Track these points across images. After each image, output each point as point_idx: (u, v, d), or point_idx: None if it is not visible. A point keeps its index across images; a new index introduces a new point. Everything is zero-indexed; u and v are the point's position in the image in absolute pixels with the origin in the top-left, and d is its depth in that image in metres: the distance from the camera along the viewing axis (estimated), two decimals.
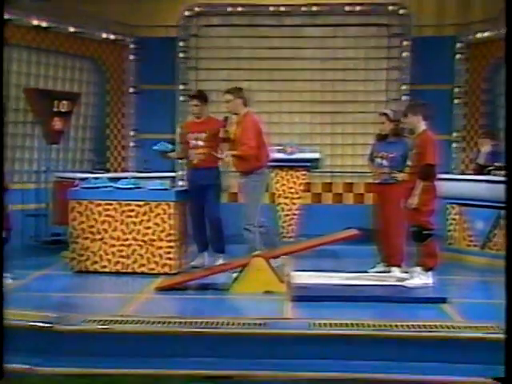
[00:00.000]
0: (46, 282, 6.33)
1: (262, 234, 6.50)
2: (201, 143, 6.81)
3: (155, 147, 6.91)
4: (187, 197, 6.92)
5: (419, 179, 5.89)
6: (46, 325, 4.65)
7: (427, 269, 5.98)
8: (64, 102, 8.38)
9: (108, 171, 8.72)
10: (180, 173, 8.71)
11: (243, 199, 6.60)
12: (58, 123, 8.33)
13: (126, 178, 7.22)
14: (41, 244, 8.19)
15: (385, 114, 6.61)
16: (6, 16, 7.71)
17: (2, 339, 3.81)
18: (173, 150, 7.07)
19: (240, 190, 6.83)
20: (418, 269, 5.99)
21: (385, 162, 6.45)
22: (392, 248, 6.44)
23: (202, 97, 6.96)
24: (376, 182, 6.61)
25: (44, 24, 8.37)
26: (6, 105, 8.05)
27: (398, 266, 6.42)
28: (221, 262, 6.82)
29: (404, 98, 9.28)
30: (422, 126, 6.01)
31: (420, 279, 5.95)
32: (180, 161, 7.75)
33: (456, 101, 9.40)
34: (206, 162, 6.78)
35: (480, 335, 4.51)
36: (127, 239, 6.57)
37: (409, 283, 5.97)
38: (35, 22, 8.26)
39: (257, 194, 6.49)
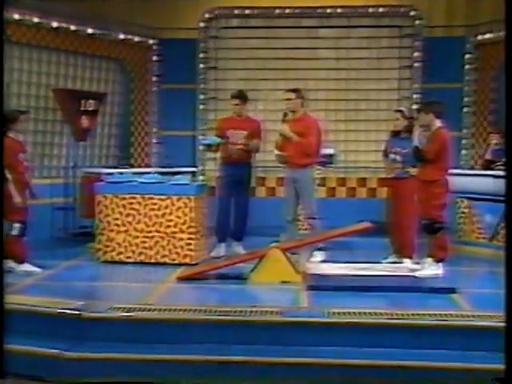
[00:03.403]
0: (74, 272, 6.46)
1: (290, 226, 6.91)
2: (241, 140, 7.10)
3: (205, 141, 7.08)
4: (221, 188, 7.17)
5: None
6: (74, 312, 4.74)
7: (438, 260, 6.07)
8: (91, 101, 8.44)
9: (132, 166, 8.81)
10: (200, 168, 8.85)
11: (302, 192, 6.81)
12: (85, 121, 8.40)
13: (149, 173, 7.35)
14: (69, 236, 8.32)
15: (400, 111, 6.75)
16: (36, 20, 7.98)
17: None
18: (220, 143, 7.18)
19: (286, 184, 7.01)
20: (429, 260, 6.10)
21: (398, 158, 6.57)
22: (404, 240, 6.55)
23: (242, 97, 7.18)
24: (390, 176, 6.71)
25: (72, 27, 8.46)
26: (37, 104, 8.24)
27: (410, 257, 6.51)
28: (240, 248, 7.15)
29: (415, 96, 9.27)
30: (437, 123, 6.08)
31: (431, 270, 6.05)
32: (215, 154, 7.95)
33: (465, 99, 9.34)
34: (244, 157, 7.12)
35: (487, 324, 4.59)
36: (150, 231, 6.70)
37: (420, 274, 6.06)
38: (64, 25, 8.35)
39: (313, 185, 6.97)
